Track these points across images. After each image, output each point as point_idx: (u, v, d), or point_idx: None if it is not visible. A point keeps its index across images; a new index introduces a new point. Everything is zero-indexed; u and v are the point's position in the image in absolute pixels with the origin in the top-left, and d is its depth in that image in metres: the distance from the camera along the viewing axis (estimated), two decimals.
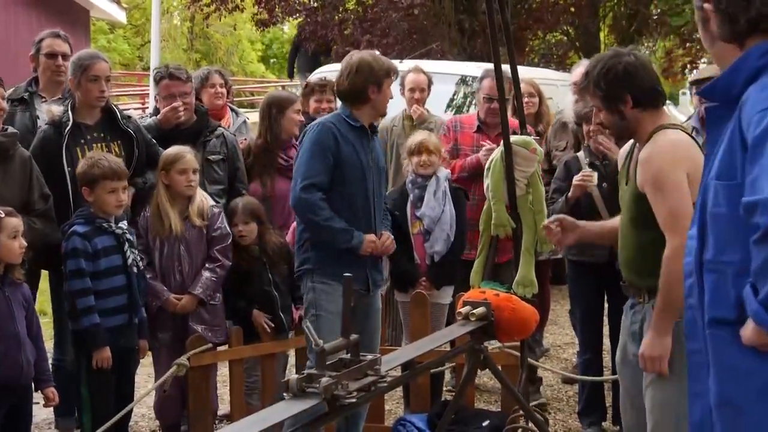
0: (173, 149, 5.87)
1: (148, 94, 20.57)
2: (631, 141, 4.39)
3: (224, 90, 7.16)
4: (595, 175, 6.12)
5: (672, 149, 4.05)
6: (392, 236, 5.57)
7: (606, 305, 6.38)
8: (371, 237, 5.37)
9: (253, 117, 7.94)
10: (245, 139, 6.83)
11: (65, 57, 6.33)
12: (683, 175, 3.98)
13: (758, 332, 2.53)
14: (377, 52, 5.68)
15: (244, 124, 7.35)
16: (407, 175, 6.54)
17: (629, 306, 4.36)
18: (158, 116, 6.36)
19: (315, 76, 8.76)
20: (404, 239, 6.31)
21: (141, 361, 5.83)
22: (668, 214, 3.97)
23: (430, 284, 6.36)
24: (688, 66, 21.95)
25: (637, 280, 4.22)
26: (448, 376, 7.01)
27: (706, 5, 2.76)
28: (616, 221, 4.57)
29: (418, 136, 6.52)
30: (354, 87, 5.35)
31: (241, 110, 7.78)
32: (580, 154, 6.37)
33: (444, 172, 6.48)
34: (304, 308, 5.40)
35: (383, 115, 5.69)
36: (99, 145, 5.79)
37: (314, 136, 5.28)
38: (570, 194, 6.17)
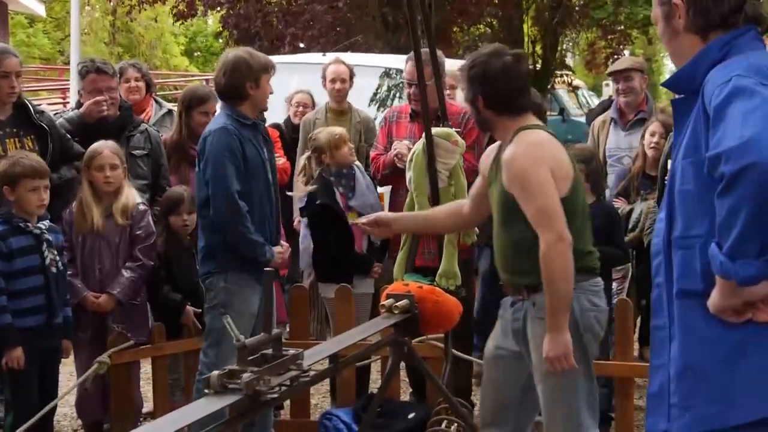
0: (94, 145, 5.81)
1: (68, 88, 20.25)
2: (493, 147, 4.48)
3: (141, 84, 7.09)
4: None
5: (533, 148, 4.13)
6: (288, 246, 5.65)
7: None
8: (278, 249, 5.43)
9: None
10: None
11: None
12: (547, 172, 4.06)
13: (724, 294, 2.63)
14: (251, 49, 5.66)
15: (168, 115, 7.26)
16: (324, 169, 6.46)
17: (509, 303, 4.38)
18: (81, 109, 6.28)
19: None
20: (342, 229, 6.28)
21: (63, 359, 5.74)
22: (537, 212, 4.04)
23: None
24: (611, 57, 22.25)
25: (517, 279, 4.26)
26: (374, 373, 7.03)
27: (676, 0, 2.90)
28: (430, 212, 4.89)
29: (335, 129, 6.51)
30: (231, 85, 5.35)
31: (166, 104, 7.68)
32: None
33: (358, 163, 6.51)
34: (209, 306, 5.36)
35: (264, 109, 5.69)
36: (12, 140, 5.70)
37: (223, 144, 5.23)
38: None
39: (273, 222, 5.45)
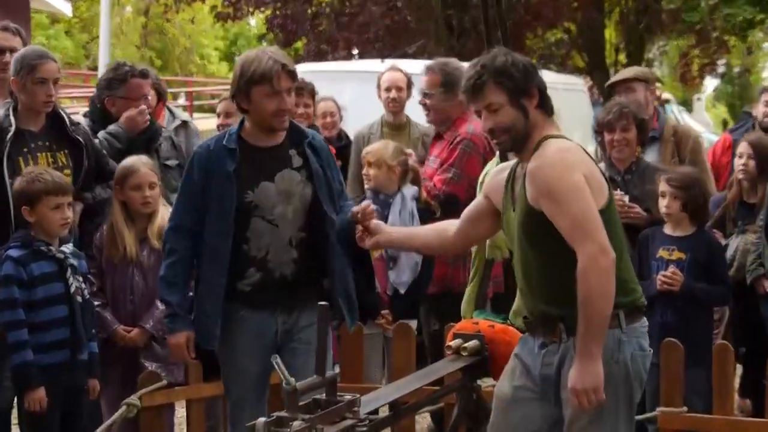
0: (127, 161, 5.81)
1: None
2: (502, 166, 4.39)
3: (151, 92, 7.01)
4: (627, 197, 6.10)
5: (562, 154, 4.00)
6: None
7: None
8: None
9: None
10: None
11: (14, 52, 6.31)
12: (581, 178, 3.91)
13: None
14: None
15: (182, 127, 6.91)
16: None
17: (538, 345, 4.20)
18: (122, 121, 6.27)
19: None
20: (363, 264, 6.18)
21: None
22: (573, 222, 3.87)
23: (393, 318, 6.25)
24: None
25: (552, 311, 4.09)
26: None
27: None
28: (425, 231, 4.81)
29: (375, 146, 6.50)
30: None
31: (204, 115, 7.65)
32: (601, 165, 6.34)
33: (411, 190, 6.34)
34: None
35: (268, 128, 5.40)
36: (44, 154, 5.71)
37: None
38: None
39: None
